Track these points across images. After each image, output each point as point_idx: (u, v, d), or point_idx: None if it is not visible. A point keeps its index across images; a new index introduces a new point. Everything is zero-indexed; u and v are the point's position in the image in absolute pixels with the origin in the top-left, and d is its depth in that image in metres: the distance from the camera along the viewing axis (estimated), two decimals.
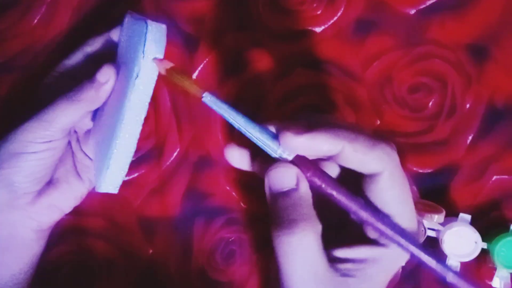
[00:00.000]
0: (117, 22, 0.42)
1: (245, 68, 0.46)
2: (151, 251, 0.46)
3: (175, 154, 0.46)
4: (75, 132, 0.43)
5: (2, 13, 0.45)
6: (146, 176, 0.46)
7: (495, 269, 0.42)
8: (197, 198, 0.46)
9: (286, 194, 0.30)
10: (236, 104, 0.32)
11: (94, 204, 0.45)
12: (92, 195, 0.44)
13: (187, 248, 0.46)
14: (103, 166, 0.39)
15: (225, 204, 0.46)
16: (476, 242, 0.41)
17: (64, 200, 0.42)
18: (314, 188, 0.31)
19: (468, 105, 0.44)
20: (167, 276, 0.46)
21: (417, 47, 0.45)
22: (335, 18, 0.45)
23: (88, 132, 0.43)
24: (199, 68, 0.46)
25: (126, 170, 0.39)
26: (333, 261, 0.31)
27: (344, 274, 0.31)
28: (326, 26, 0.45)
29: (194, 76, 0.46)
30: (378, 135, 0.31)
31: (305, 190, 0.31)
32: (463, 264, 0.42)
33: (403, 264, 0.33)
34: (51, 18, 0.46)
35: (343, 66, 0.45)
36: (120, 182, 0.39)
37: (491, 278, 0.43)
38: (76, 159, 0.43)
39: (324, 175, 0.31)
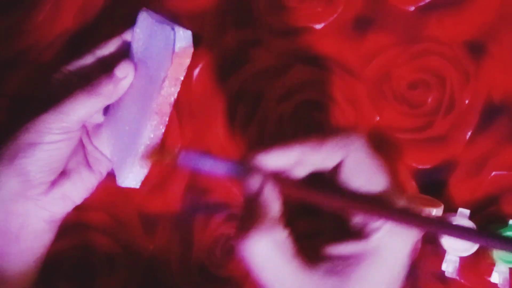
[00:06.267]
0: (123, 20, 0.43)
1: (245, 65, 0.46)
2: (152, 246, 0.46)
3: (176, 150, 0.46)
4: (84, 125, 0.43)
5: (7, 10, 0.46)
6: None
7: (494, 264, 0.42)
8: (197, 194, 0.46)
9: (248, 201, 0.32)
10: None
11: (95, 199, 0.46)
12: (94, 190, 0.44)
13: (187, 243, 0.46)
14: (127, 163, 0.40)
15: (226, 200, 0.46)
16: None
17: (76, 191, 0.43)
18: (292, 197, 0.32)
19: (466, 101, 0.45)
20: (168, 272, 0.46)
21: (415, 44, 0.45)
22: (335, 15, 0.46)
23: (97, 126, 0.44)
24: (200, 66, 0.46)
25: (148, 168, 0.41)
26: (317, 261, 0.31)
27: (328, 275, 0.31)
28: (325, 23, 0.46)
29: (196, 72, 0.46)
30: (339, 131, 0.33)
31: (267, 197, 0.31)
32: (462, 259, 0.43)
33: (396, 266, 0.32)
34: (56, 15, 0.46)
35: (342, 62, 0.46)
36: (142, 178, 0.41)
37: (490, 274, 0.43)
38: (86, 151, 0.44)
39: (291, 182, 0.32)
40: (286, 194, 0.32)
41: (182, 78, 0.40)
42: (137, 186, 0.41)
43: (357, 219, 0.32)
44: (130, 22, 0.43)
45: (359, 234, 0.32)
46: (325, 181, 0.33)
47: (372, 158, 0.32)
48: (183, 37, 0.38)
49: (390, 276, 0.31)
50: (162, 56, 0.39)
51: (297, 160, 0.32)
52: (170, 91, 0.39)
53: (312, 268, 0.31)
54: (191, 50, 0.39)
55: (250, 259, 0.30)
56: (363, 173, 0.32)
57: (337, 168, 0.32)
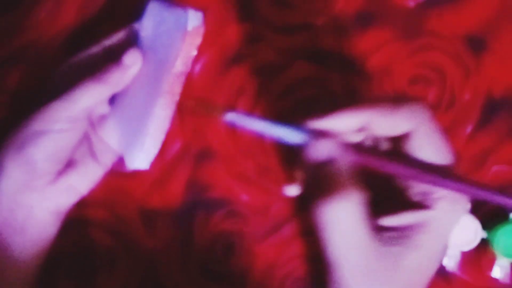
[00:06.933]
0: (124, 16, 0.43)
1: (246, 61, 0.46)
2: (152, 243, 0.46)
3: (176, 146, 0.46)
4: (89, 116, 0.43)
5: (8, 6, 0.46)
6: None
7: (495, 259, 0.43)
8: (198, 190, 0.46)
9: (324, 164, 0.32)
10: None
11: (96, 196, 0.45)
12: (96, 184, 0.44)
13: (188, 240, 0.46)
14: (137, 143, 0.41)
15: (226, 196, 0.46)
16: (476, 231, 0.42)
17: (82, 181, 0.43)
18: (355, 161, 0.33)
19: (467, 97, 0.45)
20: (168, 268, 0.46)
21: (416, 39, 0.45)
22: (335, 11, 0.46)
23: (102, 117, 0.44)
24: (201, 61, 0.46)
25: (158, 148, 0.42)
26: (379, 230, 0.32)
27: (389, 244, 0.31)
28: (326, 19, 0.46)
29: (197, 68, 0.46)
30: (405, 98, 0.33)
31: (340, 162, 0.32)
32: (463, 254, 0.43)
33: (449, 234, 0.33)
34: (57, 12, 0.46)
35: (343, 58, 0.46)
36: (151, 159, 0.42)
37: (491, 268, 0.43)
38: (92, 142, 0.44)
39: (359, 146, 0.33)
40: (354, 160, 0.32)
41: (193, 57, 0.41)
42: (147, 168, 0.42)
43: (418, 189, 0.33)
44: (131, 18, 0.43)
45: (419, 204, 0.33)
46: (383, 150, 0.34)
47: (439, 132, 0.33)
48: (195, 17, 0.40)
49: (444, 244, 0.33)
50: (173, 38, 0.40)
51: (365, 123, 0.32)
52: (181, 70, 0.40)
53: (376, 235, 0.32)
54: (202, 29, 0.40)
55: (324, 223, 0.30)
56: (431, 145, 0.33)
57: (400, 137, 0.33)
